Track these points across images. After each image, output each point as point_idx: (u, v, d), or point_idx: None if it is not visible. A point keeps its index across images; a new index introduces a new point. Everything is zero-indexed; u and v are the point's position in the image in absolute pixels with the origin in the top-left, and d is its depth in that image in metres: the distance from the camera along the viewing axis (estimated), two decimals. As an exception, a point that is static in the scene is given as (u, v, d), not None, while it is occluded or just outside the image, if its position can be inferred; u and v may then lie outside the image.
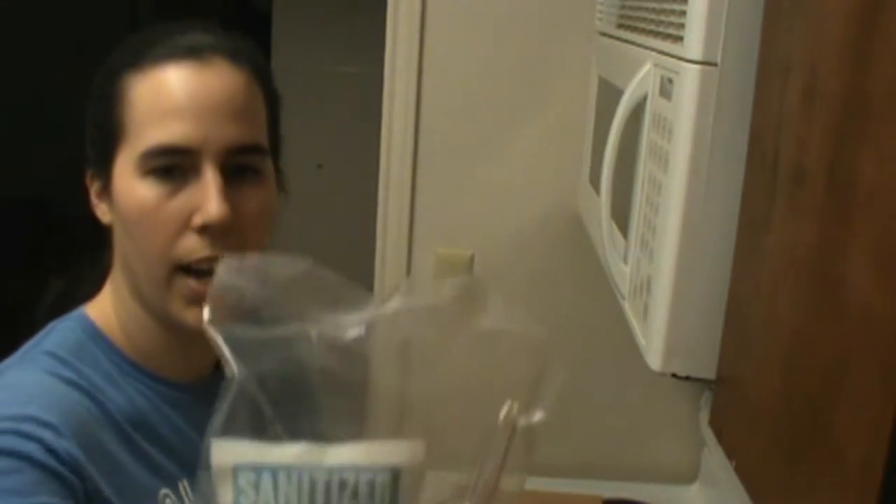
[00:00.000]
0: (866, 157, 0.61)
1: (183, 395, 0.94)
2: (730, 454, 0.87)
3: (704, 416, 1.70)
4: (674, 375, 0.95)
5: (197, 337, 0.89)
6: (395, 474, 0.46)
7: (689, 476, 1.78)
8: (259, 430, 0.51)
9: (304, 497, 0.45)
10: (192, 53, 0.87)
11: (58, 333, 0.92)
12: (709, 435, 1.67)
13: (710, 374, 0.93)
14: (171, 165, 0.85)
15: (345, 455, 0.47)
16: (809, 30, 0.75)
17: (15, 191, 3.42)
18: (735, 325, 0.89)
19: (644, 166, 1.03)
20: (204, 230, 0.85)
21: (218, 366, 0.95)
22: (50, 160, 2.90)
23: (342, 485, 0.45)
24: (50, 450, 0.79)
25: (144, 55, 0.88)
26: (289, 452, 0.47)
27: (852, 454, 0.60)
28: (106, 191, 0.90)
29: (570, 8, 1.65)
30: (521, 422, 0.49)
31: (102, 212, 0.92)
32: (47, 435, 0.79)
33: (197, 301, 0.86)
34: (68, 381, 0.87)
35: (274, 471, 0.46)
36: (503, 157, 1.72)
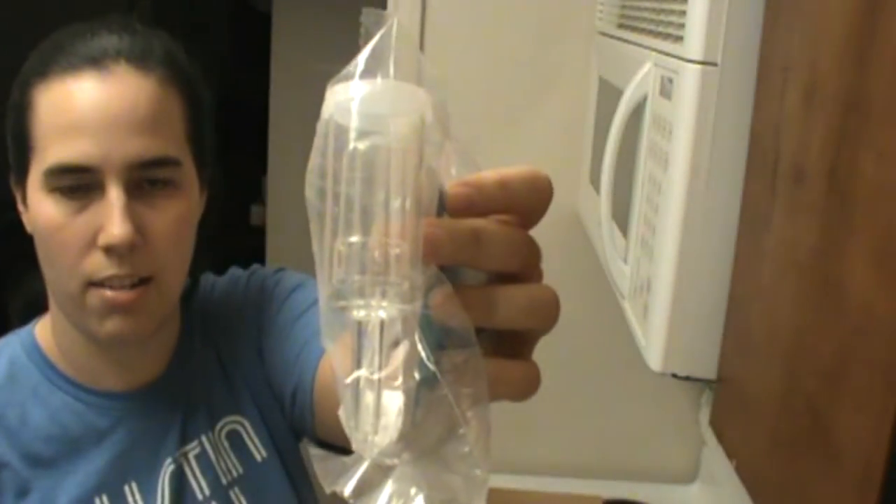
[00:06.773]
0: (866, 157, 0.61)
1: (120, 404, 0.93)
2: (730, 454, 0.87)
3: (704, 416, 1.70)
4: (674, 375, 0.95)
5: (127, 346, 0.89)
6: None
7: (689, 476, 1.78)
8: None
9: None
10: (94, 63, 0.83)
11: None
12: (709, 435, 1.67)
13: (710, 374, 0.93)
14: (75, 184, 0.82)
15: None
16: (809, 30, 0.75)
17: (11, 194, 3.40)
18: (735, 325, 0.89)
19: (644, 166, 1.03)
20: (109, 250, 0.82)
21: (171, 365, 0.94)
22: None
23: None
24: None
25: (49, 64, 0.85)
26: None
27: (852, 454, 0.60)
28: (25, 202, 0.88)
29: (570, 8, 1.65)
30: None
31: (27, 221, 0.89)
32: None
33: (112, 310, 0.84)
34: None
35: None
36: (503, 156, 1.72)
